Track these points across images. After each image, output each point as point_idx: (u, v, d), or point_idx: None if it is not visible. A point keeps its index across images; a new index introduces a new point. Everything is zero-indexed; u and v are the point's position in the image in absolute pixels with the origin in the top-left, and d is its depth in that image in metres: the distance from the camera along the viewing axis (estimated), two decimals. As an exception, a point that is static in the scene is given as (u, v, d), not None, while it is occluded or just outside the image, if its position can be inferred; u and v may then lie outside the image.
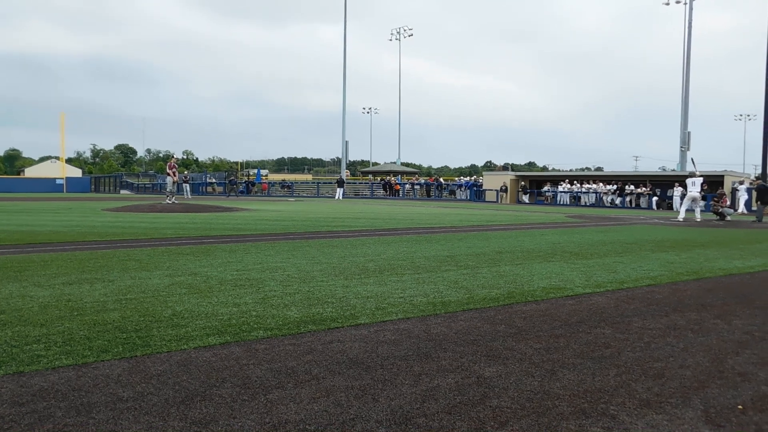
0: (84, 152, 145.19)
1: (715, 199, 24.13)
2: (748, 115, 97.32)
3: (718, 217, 22.56)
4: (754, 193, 25.60)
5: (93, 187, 76.20)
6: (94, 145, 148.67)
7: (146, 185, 71.79)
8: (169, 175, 27.40)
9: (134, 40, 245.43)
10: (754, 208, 26.18)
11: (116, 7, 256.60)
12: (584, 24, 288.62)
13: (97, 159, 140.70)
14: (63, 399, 3.08)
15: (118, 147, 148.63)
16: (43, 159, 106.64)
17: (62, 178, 71.28)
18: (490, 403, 3.14)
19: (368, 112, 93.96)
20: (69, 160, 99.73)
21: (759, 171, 35.47)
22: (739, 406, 3.19)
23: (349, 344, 4.21)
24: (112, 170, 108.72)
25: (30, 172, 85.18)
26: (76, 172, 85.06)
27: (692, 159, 24.57)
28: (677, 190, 34.93)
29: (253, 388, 3.29)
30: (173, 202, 25.83)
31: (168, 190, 27.29)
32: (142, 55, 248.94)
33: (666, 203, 36.68)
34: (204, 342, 4.16)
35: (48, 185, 70.41)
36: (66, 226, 14.10)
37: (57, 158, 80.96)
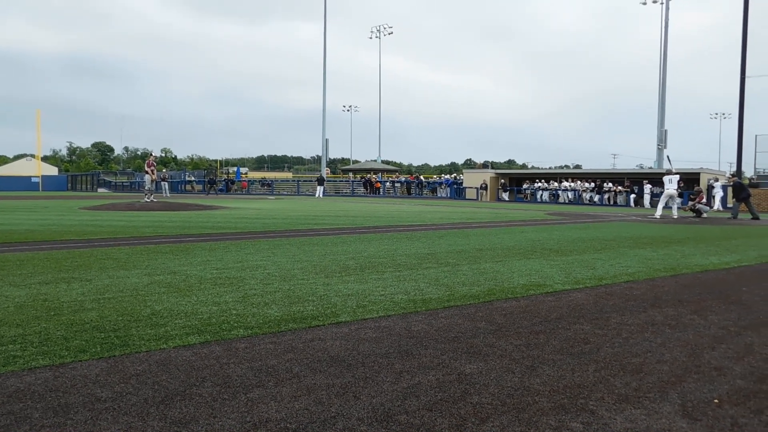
0: (60, 150, 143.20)
1: (692, 196, 24.51)
2: (724, 114, 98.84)
3: (695, 214, 22.90)
4: (730, 191, 26.02)
5: (70, 185, 75.25)
6: (71, 143, 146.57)
7: (124, 183, 71.05)
8: (147, 173, 27.15)
9: (112, 36, 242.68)
10: (730, 205, 26.61)
11: (94, 3, 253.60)
12: (562, 23, 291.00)
13: (74, 157, 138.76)
14: (40, 400, 3.03)
15: (95, 145, 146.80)
16: (18, 157, 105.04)
17: (38, 176, 70.28)
18: (471, 400, 3.15)
19: (348, 110, 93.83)
20: (45, 158, 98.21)
21: (734, 168, 36.04)
22: (716, 400, 3.24)
23: (330, 342, 4.20)
24: (89, 168, 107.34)
25: (4, 170, 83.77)
26: (52, 170, 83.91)
27: (668, 156, 24.92)
28: (647, 188, 35.62)
29: (234, 387, 3.27)
30: (151, 201, 25.59)
31: (146, 188, 27.05)
32: (120, 52, 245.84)
33: (643, 200, 37.14)
34: (184, 341, 4.12)
35: (23, 183, 69.33)
36: (42, 225, 13.90)
37: (32, 156, 79.71)
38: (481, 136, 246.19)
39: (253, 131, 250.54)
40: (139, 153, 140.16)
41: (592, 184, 40.64)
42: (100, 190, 67.32)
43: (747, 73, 32.37)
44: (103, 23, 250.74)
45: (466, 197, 46.18)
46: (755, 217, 21.90)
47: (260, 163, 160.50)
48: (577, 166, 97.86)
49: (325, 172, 62.31)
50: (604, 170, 46.94)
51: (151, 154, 29.14)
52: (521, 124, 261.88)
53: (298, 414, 2.92)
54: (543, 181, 44.54)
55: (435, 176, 71.10)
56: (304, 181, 67.11)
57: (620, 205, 37.03)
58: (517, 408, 3.05)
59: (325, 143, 62.72)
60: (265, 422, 2.82)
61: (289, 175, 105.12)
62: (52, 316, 4.73)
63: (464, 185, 48.12)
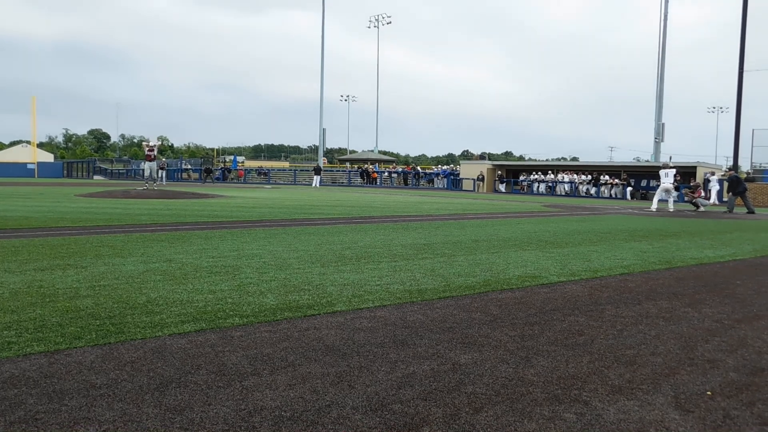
0: (56, 137, 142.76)
1: (689, 190, 24.61)
2: (721, 108, 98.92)
3: (694, 208, 23.04)
4: (726, 184, 26.07)
5: (65, 172, 75.01)
6: (67, 130, 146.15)
7: (120, 171, 70.89)
8: (150, 156, 26.77)
9: (108, 23, 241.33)
10: (725, 198, 26.67)
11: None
12: (560, 14, 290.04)
13: (70, 144, 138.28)
14: (35, 386, 3.04)
15: (92, 132, 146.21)
16: (13, 143, 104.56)
17: (34, 163, 70.08)
18: (465, 390, 3.16)
19: (346, 100, 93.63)
20: (41, 145, 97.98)
21: (731, 163, 36.09)
22: (708, 392, 3.25)
23: (325, 331, 4.21)
24: (85, 155, 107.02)
25: (0, 157, 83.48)
26: (48, 157, 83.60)
27: (670, 157, 24.93)
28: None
29: (229, 375, 3.28)
30: (145, 189, 25.52)
31: (146, 176, 27.04)
32: (116, 39, 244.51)
33: (639, 193, 37.23)
34: (179, 329, 4.12)
35: (19, 170, 69.15)
36: (38, 212, 13.86)
37: (28, 143, 79.40)
38: (478, 127, 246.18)
39: (250, 120, 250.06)
40: (135, 141, 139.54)
41: (589, 177, 40.67)
42: (96, 177, 67.16)
43: (745, 68, 32.35)
44: (99, 10, 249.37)
45: (463, 188, 46.17)
46: (751, 211, 21.97)
47: (257, 152, 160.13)
48: (575, 159, 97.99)
49: (322, 161, 62.22)
50: (601, 163, 47.00)
51: (151, 141, 28.82)
52: (519, 115, 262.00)
53: (292, 402, 2.93)
54: (540, 173, 44.54)
55: (432, 167, 71.03)
56: (301, 170, 66.97)
57: (617, 198, 37.08)
58: (511, 398, 3.07)
59: (323, 133, 62.60)
60: (260, 410, 2.82)
61: (285, 164, 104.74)
62: (47, 303, 4.72)
63: (461, 176, 48.10)
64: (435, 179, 52.59)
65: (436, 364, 3.57)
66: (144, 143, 28.30)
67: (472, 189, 45.03)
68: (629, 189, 37.26)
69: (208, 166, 61.35)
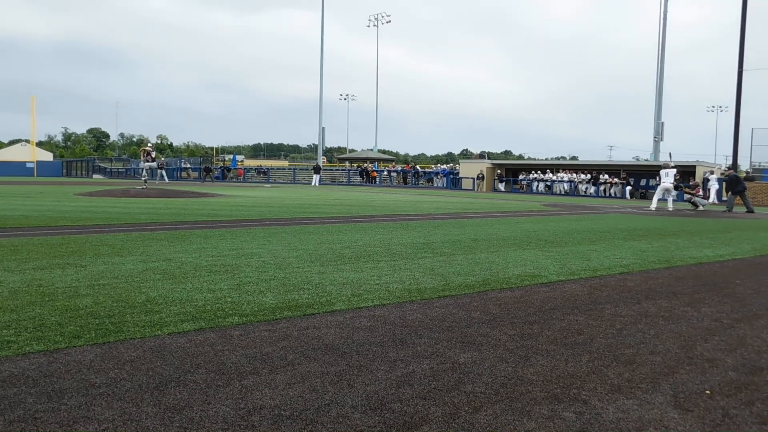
0: (55, 136, 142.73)
1: (688, 189, 24.65)
2: (720, 107, 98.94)
3: (693, 207, 23.05)
4: (725, 184, 26.09)
5: (65, 171, 74.99)
6: (66, 129, 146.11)
7: (119, 170, 70.86)
8: (147, 157, 26.99)
9: (107, 23, 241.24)
10: (725, 198, 26.69)
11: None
12: (560, 14, 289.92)
13: (69, 143, 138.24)
14: (34, 385, 3.04)
15: (91, 131, 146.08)
16: (12, 142, 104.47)
17: (33, 162, 70.05)
18: (465, 389, 3.16)
19: (345, 99, 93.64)
20: (40, 144, 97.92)
21: (730, 162, 36.10)
22: (707, 391, 3.26)
23: (324, 330, 4.21)
24: (84, 154, 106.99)
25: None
26: (47, 156, 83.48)
27: (670, 153, 24.94)
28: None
29: (228, 374, 3.28)
30: (145, 188, 25.52)
31: (143, 176, 27.10)
32: (116, 39, 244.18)
33: (639, 192, 37.25)
34: (178, 328, 4.12)
35: (18, 169, 69.13)
36: (37, 211, 13.85)
37: (27, 141, 79.35)
38: (478, 127, 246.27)
39: (249, 119, 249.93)
40: (134, 140, 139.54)
41: (589, 176, 40.68)
42: (95, 176, 67.17)
43: (744, 67, 32.36)
44: (98, 9, 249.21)
45: (462, 187, 46.15)
46: (750, 211, 21.97)
47: (256, 151, 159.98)
48: (574, 158, 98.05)
49: (321, 160, 62.19)
50: (600, 162, 47.00)
51: (148, 143, 29.03)
52: (518, 115, 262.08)
53: (292, 401, 2.93)
54: (539, 172, 44.55)
55: (431, 166, 70.99)
56: (300, 169, 66.91)
57: (616, 197, 37.09)
58: (511, 397, 3.07)
59: (322, 132, 62.58)
60: (259, 409, 2.82)
61: (285, 163, 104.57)
62: (46, 302, 4.72)
63: (460, 175, 48.06)
64: (434, 178, 52.55)
65: (435, 363, 3.57)
66: (144, 142, 28.50)
67: (471, 188, 45.01)
68: (629, 188, 37.27)
69: (207, 165, 61.36)
